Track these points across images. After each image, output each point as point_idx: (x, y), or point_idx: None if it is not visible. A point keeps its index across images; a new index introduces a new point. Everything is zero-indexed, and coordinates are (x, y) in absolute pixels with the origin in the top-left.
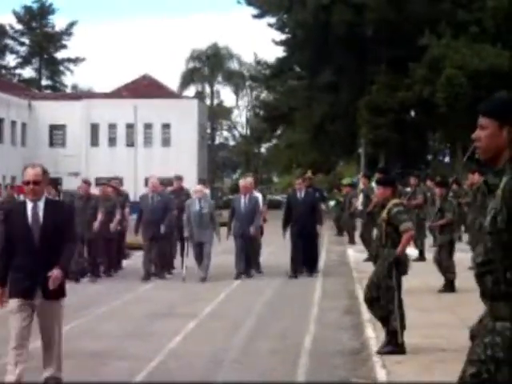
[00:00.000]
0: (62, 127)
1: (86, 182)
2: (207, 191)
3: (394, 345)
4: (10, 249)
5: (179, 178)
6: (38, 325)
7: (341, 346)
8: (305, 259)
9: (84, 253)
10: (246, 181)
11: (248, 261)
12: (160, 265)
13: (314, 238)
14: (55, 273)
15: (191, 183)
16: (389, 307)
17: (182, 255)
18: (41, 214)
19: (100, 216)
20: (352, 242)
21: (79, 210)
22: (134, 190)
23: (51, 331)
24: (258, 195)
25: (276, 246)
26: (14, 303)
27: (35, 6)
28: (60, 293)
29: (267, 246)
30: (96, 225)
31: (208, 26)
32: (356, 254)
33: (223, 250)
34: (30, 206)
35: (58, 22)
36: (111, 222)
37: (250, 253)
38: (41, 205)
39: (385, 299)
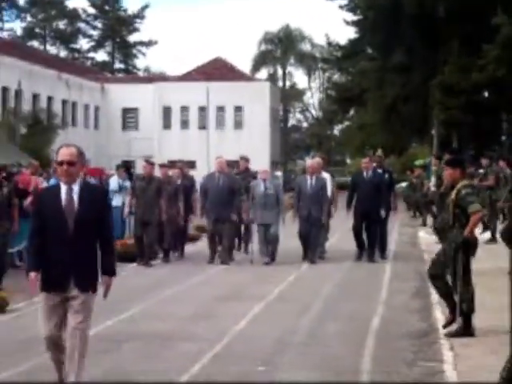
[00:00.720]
0: (135, 110)
1: (149, 163)
2: (279, 173)
3: (463, 327)
4: (41, 235)
5: (245, 159)
6: (68, 319)
7: (408, 328)
8: (369, 242)
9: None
10: (313, 160)
11: (314, 244)
12: (226, 247)
13: (378, 221)
14: (106, 282)
15: (264, 166)
16: (456, 289)
17: (246, 239)
18: (76, 198)
19: (162, 202)
20: (424, 224)
21: (141, 191)
22: (207, 172)
23: (80, 326)
24: (327, 176)
25: (346, 230)
26: (45, 299)
27: None
28: (94, 286)
29: (336, 229)
30: (161, 212)
31: (280, 7)
32: (427, 236)
33: (291, 233)
34: (63, 189)
35: (130, 5)
36: (173, 205)
37: (316, 236)
38: (76, 188)
39: (451, 280)
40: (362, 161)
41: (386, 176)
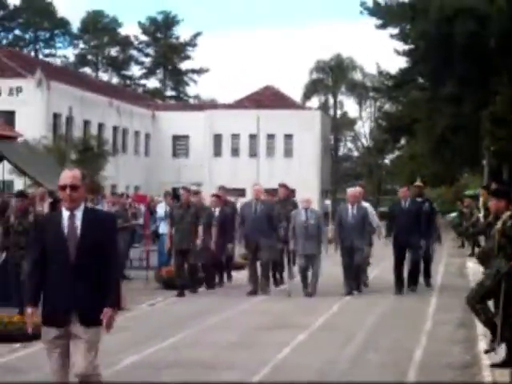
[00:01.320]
0: (185, 138)
1: (186, 190)
2: (328, 202)
3: (506, 358)
4: (42, 265)
5: (285, 187)
6: (70, 354)
7: (451, 360)
8: (410, 274)
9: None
10: (354, 190)
11: (357, 275)
12: (264, 276)
13: (419, 250)
14: (108, 315)
15: (314, 194)
16: (497, 317)
17: (288, 268)
18: (79, 224)
19: (200, 230)
20: (473, 254)
21: (178, 219)
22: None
23: (86, 362)
24: (367, 205)
25: (389, 260)
26: (46, 334)
27: (160, 17)
28: (98, 319)
29: (379, 259)
30: (198, 242)
31: (331, 36)
32: (476, 266)
33: (333, 263)
34: (65, 215)
35: (182, 32)
36: (209, 233)
37: (358, 267)
38: (79, 214)
39: (494, 307)
40: (400, 190)
41: (426, 205)
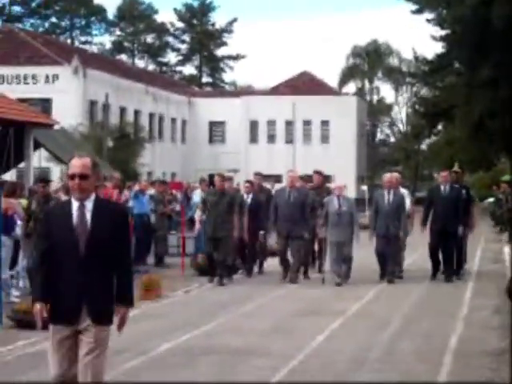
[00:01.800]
0: (222, 124)
1: (221, 176)
2: (365, 187)
3: None
4: (49, 259)
5: (319, 173)
6: (79, 353)
7: (487, 346)
8: (446, 261)
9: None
10: (391, 175)
11: (392, 262)
12: (295, 266)
13: (456, 238)
14: (122, 313)
15: (350, 180)
16: None
17: (319, 256)
18: (88, 216)
19: (235, 220)
20: (510, 239)
21: (212, 206)
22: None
23: (93, 362)
24: (404, 191)
25: (425, 248)
26: (54, 332)
27: (196, 3)
28: (109, 317)
29: (414, 247)
30: (235, 233)
31: (368, 22)
32: None
33: (366, 251)
34: (75, 206)
35: (218, 19)
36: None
37: (394, 254)
38: (89, 205)
39: None
40: (440, 174)
41: (464, 192)
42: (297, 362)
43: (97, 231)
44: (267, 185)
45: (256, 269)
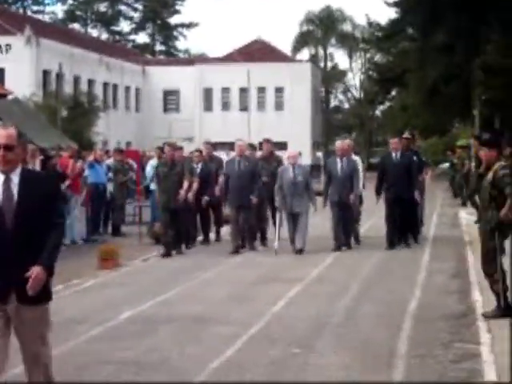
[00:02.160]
0: (176, 92)
1: (171, 146)
2: (320, 154)
3: (500, 308)
4: None
5: (269, 142)
6: (16, 338)
7: (446, 310)
8: (401, 228)
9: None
10: (343, 142)
11: (347, 230)
12: (250, 235)
13: (411, 204)
14: (36, 272)
15: (305, 146)
16: (491, 269)
17: (274, 226)
18: (15, 190)
19: (185, 184)
20: (464, 204)
21: (164, 177)
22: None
23: (34, 346)
24: (357, 159)
25: (378, 216)
26: None
27: None
28: (43, 295)
29: (368, 215)
30: (181, 195)
31: None
32: (468, 216)
33: (321, 219)
34: (1, 179)
35: None
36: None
37: (348, 222)
38: (15, 178)
39: (488, 261)
40: (391, 141)
41: (414, 157)
42: (257, 329)
43: (25, 205)
44: (222, 153)
45: (213, 237)
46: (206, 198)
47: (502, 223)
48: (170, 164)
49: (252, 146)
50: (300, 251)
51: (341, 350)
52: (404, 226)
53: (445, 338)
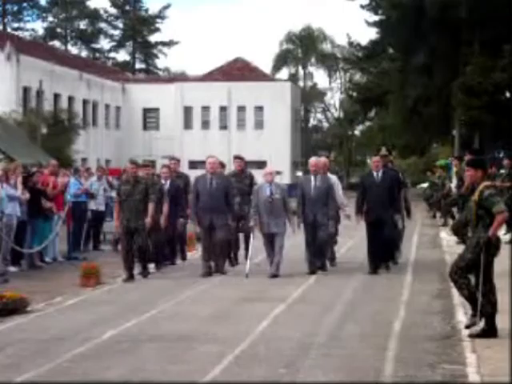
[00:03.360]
0: (156, 110)
1: (133, 163)
2: (300, 173)
3: (487, 330)
4: None
5: (240, 159)
6: None
7: (431, 331)
8: (383, 252)
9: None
10: (317, 159)
11: (321, 252)
12: (221, 258)
13: (392, 227)
14: None
15: (285, 165)
16: (478, 289)
17: (246, 248)
18: None
19: (150, 208)
20: (445, 224)
21: (126, 196)
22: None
23: None
24: (333, 177)
25: (357, 238)
26: None
27: None
28: None
29: (346, 237)
30: (147, 223)
31: (301, 7)
32: (449, 236)
33: (299, 240)
34: None
35: (151, 5)
36: (161, 210)
37: (323, 242)
38: None
39: (474, 280)
40: (372, 159)
41: (399, 176)
42: (242, 348)
43: None
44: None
45: (175, 260)
46: (181, 221)
47: (490, 242)
48: (132, 182)
49: (221, 164)
50: (274, 276)
51: (327, 369)
52: (384, 248)
53: (431, 359)
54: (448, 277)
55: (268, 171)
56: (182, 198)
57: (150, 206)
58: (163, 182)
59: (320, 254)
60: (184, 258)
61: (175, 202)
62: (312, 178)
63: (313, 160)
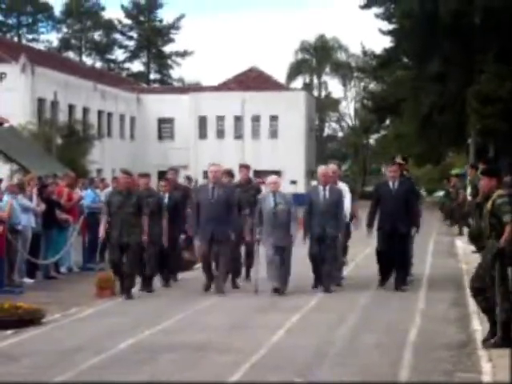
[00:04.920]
0: (171, 120)
1: (126, 173)
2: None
3: (502, 338)
4: None
5: (246, 167)
6: None
7: (446, 339)
8: (397, 267)
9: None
10: (326, 168)
11: (327, 271)
12: (222, 274)
13: (406, 241)
14: None
15: (300, 175)
16: (494, 299)
17: (248, 262)
18: None
19: (144, 223)
20: (460, 233)
21: (117, 208)
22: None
23: None
24: (344, 187)
25: (370, 251)
26: None
27: (143, 0)
28: None
29: (357, 250)
30: (144, 239)
31: (316, 17)
32: (465, 245)
33: (302, 255)
34: None
35: (165, 15)
36: (158, 223)
37: (332, 259)
38: None
39: (490, 291)
40: (389, 169)
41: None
42: (258, 358)
43: None
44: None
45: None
46: (182, 237)
47: (503, 251)
48: (125, 193)
49: (229, 173)
50: (280, 291)
51: (342, 378)
52: (399, 264)
53: (447, 368)
54: (469, 289)
55: (272, 180)
56: (181, 212)
57: (144, 222)
58: (162, 195)
59: (327, 270)
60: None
61: (174, 217)
62: (321, 188)
63: (322, 169)
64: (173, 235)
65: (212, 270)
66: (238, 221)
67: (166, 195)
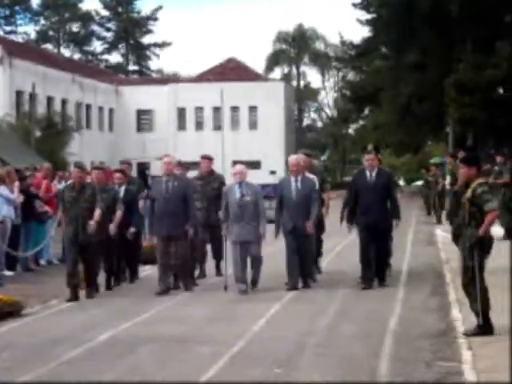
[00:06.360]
0: (149, 112)
1: (79, 167)
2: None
3: (479, 326)
4: None
5: (207, 158)
6: None
7: (426, 328)
8: (378, 263)
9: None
10: (297, 157)
11: (305, 265)
12: (184, 273)
13: (387, 236)
14: None
15: (279, 165)
16: (470, 288)
17: (216, 258)
18: None
19: (97, 213)
20: (439, 221)
21: (70, 203)
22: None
23: None
24: (314, 177)
25: (345, 244)
26: None
27: None
28: None
29: (332, 243)
30: (91, 226)
31: (293, 7)
32: (443, 233)
33: (276, 250)
34: None
35: (143, 6)
36: (111, 219)
37: (306, 255)
38: None
39: (467, 279)
40: (365, 157)
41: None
42: (238, 349)
43: None
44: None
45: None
46: (131, 230)
47: (482, 240)
48: (78, 188)
49: (181, 164)
50: (249, 290)
51: (322, 368)
52: (380, 260)
53: (427, 356)
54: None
55: (238, 170)
56: (135, 206)
57: (97, 212)
58: (117, 188)
59: (302, 267)
60: (133, 278)
61: (130, 211)
62: (292, 179)
63: (292, 159)
64: (129, 229)
65: (169, 275)
66: (196, 216)
67: (122, 188)
